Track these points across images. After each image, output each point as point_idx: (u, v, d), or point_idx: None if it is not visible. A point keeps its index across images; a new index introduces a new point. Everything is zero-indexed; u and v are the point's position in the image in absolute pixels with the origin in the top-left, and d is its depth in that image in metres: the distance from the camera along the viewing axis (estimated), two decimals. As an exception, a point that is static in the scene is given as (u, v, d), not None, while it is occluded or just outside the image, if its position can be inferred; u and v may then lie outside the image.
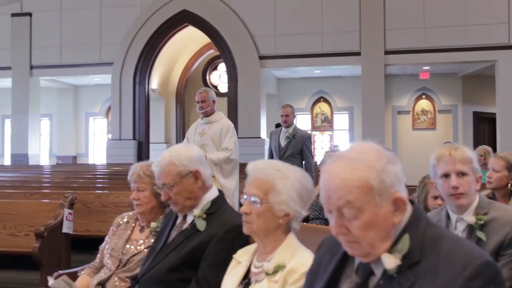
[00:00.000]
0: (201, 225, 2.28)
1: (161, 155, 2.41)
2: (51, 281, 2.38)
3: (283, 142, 6.61)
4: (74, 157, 18.41)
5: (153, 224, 2.71)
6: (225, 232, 2.22)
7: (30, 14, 16.27)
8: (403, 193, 1.42)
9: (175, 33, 15.41)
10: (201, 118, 5.72)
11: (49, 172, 11.44)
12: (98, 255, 2.80)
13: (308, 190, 1.99)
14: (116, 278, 2.61)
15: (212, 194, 2.41)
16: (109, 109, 17.54)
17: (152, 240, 2.60)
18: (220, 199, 2.40)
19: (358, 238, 1.40)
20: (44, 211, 5.16)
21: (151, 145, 15.65)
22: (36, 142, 16.69)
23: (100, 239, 5.72)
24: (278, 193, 1.92)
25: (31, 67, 16.29)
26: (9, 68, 16.34)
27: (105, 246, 2.77)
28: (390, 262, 1.39)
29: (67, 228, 4.89)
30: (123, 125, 15.22)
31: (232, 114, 14.74)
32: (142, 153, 15.10)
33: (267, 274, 1.89)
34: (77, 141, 18.69)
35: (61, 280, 2.23)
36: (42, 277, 4.71)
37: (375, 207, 1.39)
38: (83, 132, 18.72)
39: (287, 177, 1.95)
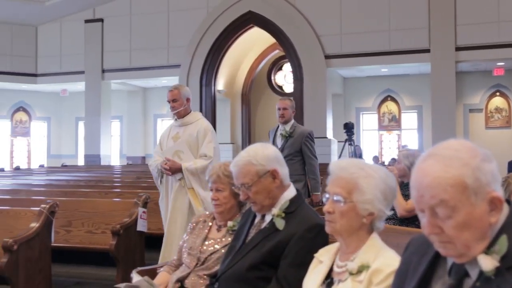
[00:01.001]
0: (280, 224, 2.28)
1: (238, 155, 2.42)
2: (135, 278, 2.43)
3: (279, 142, 5.57)
4: (143, 158, 18.92)
5: (230, 223, 2.72)
6: (306, 231, 2.21)
7: (102, 20, 16.87)
8: (500, 192, 1.36)
9: (240, 34, 15.54)
10: (175, 119, 4.82)
11: (120, 172, 11.82)
12: (177, 253, 2.84)
13: (392, 190, 1.96)
14: (194, 276, 2.64)
15: (290, 193, 2.39)
16: (176, 110, 17.86)
17: (230, 239, 2.62)
18: (298, 198, 2.39)
19: (452, 238, 1.36)
20: (120, 209, 5.32)
21: (217, 146, 15.81)
22: (108, 143, 17.28)
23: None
24: (362, 192, 1.90)
25: (103, 71, 16.89)
26: (82, 72, 17.02)
27: (183, 245, 2.81)
28: (488, 263, 1.33)
29: (141, 226, 5.02)
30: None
31: (298, 115, 14.67)
32: (209, 153, 15.29)
33: (351, 273, 1.86)
34: (146, 142, 19.19)
35: (143, 280, 2.27)
36: (118, 273, 4.86)
37: (470, 207, 1.34)
38: (152, 133, 19.20)
39: (371, 176, 1.92)
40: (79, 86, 17.52)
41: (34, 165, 18.17)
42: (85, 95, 17.02)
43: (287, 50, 14.98)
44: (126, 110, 19.12)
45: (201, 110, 15.37)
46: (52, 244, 4.65)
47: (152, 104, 19.10)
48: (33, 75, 17.74)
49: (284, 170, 2.39)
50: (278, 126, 5.64)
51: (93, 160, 16.63)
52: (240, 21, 15.26)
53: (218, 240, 2.72)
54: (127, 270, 4.71)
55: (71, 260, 5.85)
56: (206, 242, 2.72)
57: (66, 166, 14.94)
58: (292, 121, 5.61)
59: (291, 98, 5.91)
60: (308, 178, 5.54)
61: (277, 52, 17.83)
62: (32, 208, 4.70)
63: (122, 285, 2.39)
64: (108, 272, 5.46)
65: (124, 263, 4.84)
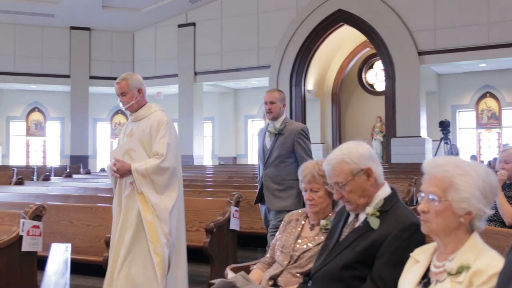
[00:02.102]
0: (375, 223, 2.22)
1: (331, 153, 2.38)
2: (230, 274, 2.47)
3: (268, 142, 4.70)
4: (234, 158, 19.25)
5: (323, 222, 2.70)
6: (401, 230, 2.14)
7: (194, 24, 17.37)
8: None
9: (330, 33, 15.42)
10: (130, 115, 4.13)
11: (212, 172, 12.09)
12: (269, 250, 2.86)
13: (493, 188, 1.86)
14: (287, 274, 2.64)
15: (385, 191, 2.33)
16: (266, 111, 18.03)
17: (323, 238, 2.60)
18: (393, 197, 2.32)
19: None
20: (213, 208, 5.42)
21: (307, 146, 15.79)
22: (200, 144, 17.76)
23: (264, 236, 5.89)
24: (458, 190, 1.82)
25: (195, 73, 17.38)
26: (176, 75, 17.62)
27: (276, 242, 2.82)
28: None
29: (234, 224, 5.09)
30: (281, 126, 15.54)
31: (390, 113, 14.34)
32: (299, 153, 15.29)
33: (449, 274, 1.79)
34: (237, 142, 19.52)
35: (239, 275, 2.30)
36: (212, 270, 4.96)
37: None
38: (243, 134, 19.50)
39: (468, 174, 1.84)
40: (173, 88, 18.15)
41: (132, 165, 19.00)
42: (179, 97, 17.60)
43: (378, 48, 14.66)
44: (217, 111, 19.56)
45: (291, 110, 15.41)
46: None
47: (243, 105, 19.41)
48: (130, 79, 18.55)
49: (378, 168, 2.33)
50: (268, 125, 4.78)
51: (186, 160, 17.16)
52: (330, 20, 15.14)
53: (311, 238, 2.70)
54: (220, 267, 4.81)
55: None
56: (299, 241, 2.72)
57: (161, 166, 15.49)
58: (283, 116, 4.73)
59: (280, 89, 4.96)
60: None
61: (368, 50, 17.52)
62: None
63: (217, 280, 2.43)
64: (202, 269, 5.60)
65: (218, 260, 4.94)
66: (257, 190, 4.78)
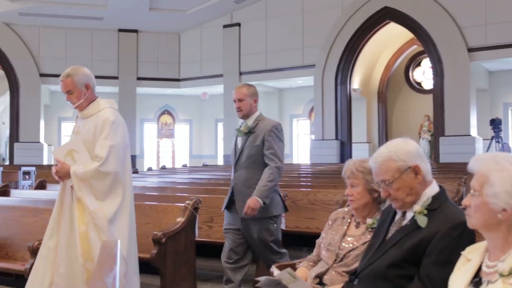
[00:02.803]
0: (422, 221, 2.18)
1: (378, 150, 2.35)
2: (276, 271, 2.47)
3: (240, 142, 4.28)
4: (280, 158, 19.21)
5: (369, 221, 2.68)
6: (450, 229, 2.10)
7: (239, 24, 17.46)
8: None
9: (376, 31, 15.21)
10: (78, 111, 3.77)
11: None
12: (315, 248, 2.84)
13: None
14: (333, 272, 2.63)
15: (433, 189, 2.28)
16: (311, 110, 17.98)
17: (369, 237, 2.57)
18: (442, 195, 2.27)
19: None
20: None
21: (353, 145, 15.65)
22: (245, 144, 17.80)
23: (309, 236, 5.86)
24: (491, 185, 1.80)
25: (240, 73, 17.46)
26: (221, 75, 17.75)
27: (321, 241, 2.80)
28: None
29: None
30: (326, 125, 15.47)
31: (438, 111, 14.03)
32: (345, 153, 15.17)
33: (501, 275, 1.73)
34: (285, 142, 19.48)
35: (286, 272, 2.30)
36: (258, 268, 4.97)
37: None
38: (288, 133, 19.46)
39: (505, 169, 1.80)
40: (218, 89, 18.29)
41: (178, 165, 19.31)
42: (224, 97, 17.72)
43: (426, 45, 14.36)
44: (262, 111, 19.38)
45: (336, 110, 15.28)
46: (196, 239, 4.88)
47: (287, 104, 19.38)
48: (176, 80, 18.86)
49: (426, 166, 2.29)
50: (242, 123, 4.33)
51: (230, 160, 17.22)
52: (376, 18, 14.93)
53: (357, 237, 2.68)
54: (265, 266, 4.81)
55: (213, 255, 6.10)
56: (345, 239, 2.70)
57: (206, 165, 15.69)
58: (257, 113, 4.28)
59: (250, 84, 4.48)
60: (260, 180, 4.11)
61: (415, 48, 17.20)
62: (177, 204, 4.98)
63: (263, 278, 2.44)
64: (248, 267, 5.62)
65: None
66: (228, 194, 4.29)
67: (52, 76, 17.69)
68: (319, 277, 2.64)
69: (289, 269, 2.32)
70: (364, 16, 14.99)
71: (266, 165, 4.08)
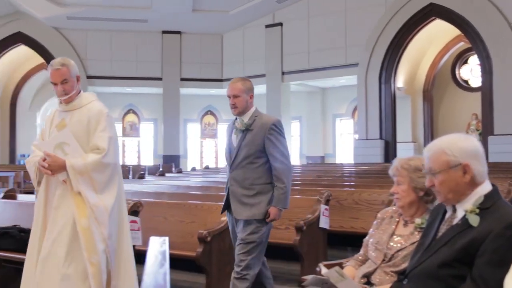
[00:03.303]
0: (474, 220, 2.12)
1: (434, 140, 2.33)
2: (324, 269, 2.45)
3: (235, 141, 3.98)
4: (322, 157, 19.13)
5: (417, 220, 2.63)
6: (505, 228, 2.03)
7: (281, 24, 17.44)
8: None
9: (421, 28, 14.92)
10: (60, 103, 3.64)
11: (300, 171, 12.08)
12: (362, 248, 2.81)
13: None
14: (381, 272, 2.59)
15: (485, 188, 2.21)
16: (355, 109, 17.81)
17: (417, 236, 2.52)
18: (494, 194, 2.20)
19: None
20: (302, 206, 5.42)
21: (398, 145, 15.41)
22: (288, 143, 17.75)
23: (353, 236, 5.80)
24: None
25: (283, 73, 17.44)
26: (263, 75, 17.77)
27: (369, 240, 2.77)
28: None
29: (324, 223, 5.06)
30: (370, 125, 15.28)
31: (487, 109, 13.66)
32: (389, 152, 14.95)
33: None
34: (325, 142, 19.38)
35: (334, 271, 2.27)
36: (302, 268, 4.95)
37: None
38: (331, 133, 19.34)
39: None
40: (261, 89, 18.31)
41: (221, 165, 19.44)
42: (266, 97, 17.74)
43: (474, 42, 13.99)
44: (305, 111, 19.52)
45: (380, 109, 15.08)
46: (241, 237, 4.89)
47: (330, 104, 19.25)
48: (219, 80, 19.00)
49: (480, 167, 2.21)
50: (235, 121, 4.04)
51: (274, 159, 17.24)
52: (421, 15, 14.65)
53: (405, 237, 2.64)
54: (310, 266, 4.79)
55: (257, 254, 6.11)
56: (393, 238, 2.66)
57: (250, 165, 15.71)
58: (253, 109, 3.98)
59: (246, 78, 4.11)
60: (275, 187, 3.89)
61: (462, 45, 16.81)
62: (221, 203, 5.00)
63: (310, 276, 2.42)
64: (292, 267, 5.61)
65: (308, 259, 4.93)
66: (225, 196, 4.05)
67: (98, 78, 18.12)
68: (367, 277, 2.61)
69: (337, 268, 2.29)
70: (409, 13, 14.73)
71: (264, 164, 3.85)
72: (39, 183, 3.49)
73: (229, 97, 3.91)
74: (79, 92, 3.62)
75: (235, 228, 3.98)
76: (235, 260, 3.88)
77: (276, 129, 3.85)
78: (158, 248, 2.32)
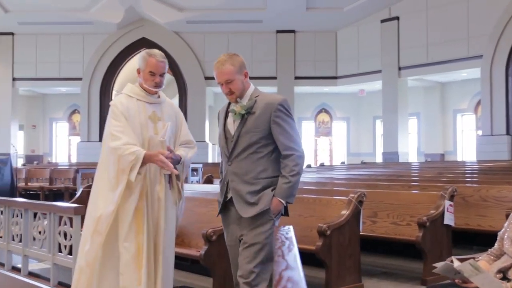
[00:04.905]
0: None
1: None
2: (456, 262, 2.35)
3: (232, 127, 3.25)
4: (442, 155, 18.33)
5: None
6: None
7: (397, 18, 16.96)
8: None
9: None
10: (144, 93, 3.53)
11: (418, 168, 11.66)
12: (497, 242, 2.65)
13: None
14: (519, 267, 2.43)
15: None
16: (478, 104, 16.88)
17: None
18: None
19: None
20: (424, 202, 5.24)
21: (527, 141, 14.37)
22: (405, 141, 17.27)
23: (480, 234, 5.51)
24: None
25: (399, 68, 16.95)
26: (379, 71, 17.39)
27: (504, 234, 2.61)
28: None
29: (448, 219, 4.85)
30: (495, 120, 14.39)
31: None
32: (517, 149, 13.97)
33: None
34: (445, 138, 18.55)
35: (468, 264, 2.17)
36: (425, 266, 4.78)
37: None
38: (451, 129, 18.47)
39: None
40: (376, 85, 17.94)
41: (335, 163, 19.30)
42: (382, 94, 17.35)
43: None
44: (423, 107, 18.81)
45: (507, 103, 14.27)
46: (360, 233, 4.83)
47: (451, 99, 18.37)
48: (333, 78, 18.86)
49: None
50: (229, 104, 3.33)
51: (390, 157, 16.83)
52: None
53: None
54: (433, 264, 4.61)
55: (377, 250, 6.01)
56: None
57: (365, 163, 15.47)
58: (251, 88, 3.29)
59: (232, 53, 3.35)
60: (280, 176, 3.16)
61: None
62: (340, 197, 4.97)
63: (441, 263, 2.33)
64: (414, 265, 5.43)
65: (431, 256, 4.74)
66: (221, 194, 3.30)
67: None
68: (503, 272, 2.46)
69: (471, 261, 2.19)
70: (539, -1, 13.68)
71: (270, 154, 3.16)
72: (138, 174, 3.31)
73: (221, 84, 3.22)
74: None
75: (232, 229, 3.25)
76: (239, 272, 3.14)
77: (283, 110, 3.13)
78: (284, 234, 2.37)
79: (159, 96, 3.57)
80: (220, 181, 3.31)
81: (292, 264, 1.57)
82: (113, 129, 3.37)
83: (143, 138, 3.41)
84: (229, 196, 3.17)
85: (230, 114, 3.22)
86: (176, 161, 3.37)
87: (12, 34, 19.46)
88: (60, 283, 4.46)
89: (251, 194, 3.08)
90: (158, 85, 3.47)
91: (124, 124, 3.37)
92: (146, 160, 3.26)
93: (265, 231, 3.07)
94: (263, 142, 3.12)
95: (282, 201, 3.10)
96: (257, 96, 3.19)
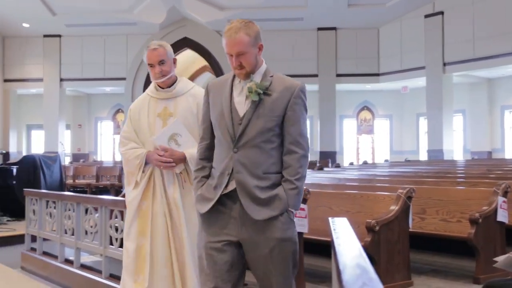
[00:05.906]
0: None
1: None
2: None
3: (241, 107, 2.63)
4: (489, 152, 17.87)
5: None
6: None
7: (442, 13, 16.62)
8: None
9: None
10: (157, 90, 3.42)
11: (464, 165, 11.42)
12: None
13: None
14: None
15: None
16: (527, 100, 16.40)
17: None
18: None
19: None
20: (475, 198, 5.12)
21: None
22: (450, 138, 16.91)
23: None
24: None
25: (444, 64, 16.61)
26: (422, 68, 17.08)
27: None
28: None
29: (502, 216, 4.73)
30: (546, 116, 13.93)
31: None
32: None
33: None
34: (492, 135, 18.07)
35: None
36: (478, 264, 4.67)
37: None
38: (498, 126, 17.98)
39: None
40: (420, 82, 17.62)
41: (378, 161, 19.05)
42: (426, 91, 17.02)
43: None
44: (468, 103, 18.37)
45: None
46: (409, 230, 4.75)
47: (499, 95, 17.87)
48: (375, 75, 18.62)
49: None
50: (234, 77, 2.73)
51: (435, 155, 16.52)
52: None
53: None
54: (486, 262, 4.49)
55: (426, 247, 5.90)
56: None
57: (409, 161, 15.23)
58: (264, 66, 2.79)
59: (248, 20, 2.82)
60: (284, 180, 2.60)
61: None
62: (388, 193, 4.90)
63: (503, 257, 2.26)
64: (465, 263, 5.31)
65: (484, 254, 4.63)
66: (218, 186, 2.63)
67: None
68: None
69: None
70: None
71: (281, 145, 2.62)
72: (136, 177, 3.29)
73: (230, 55, 2.67)
74: (176, 78, 3.44)
75: (239, 235, 2.58)
76: None
77: (304, 98, 2.66)
78: (339, 224, 2.36)
79: (174, 89, 3.38)
80: (202, 168, 2.71)
81: (356, 252, 1.56)
82: (121, 134, 3.50)
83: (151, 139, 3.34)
84: (229, 188, 2.56)
85: (238, 91, 2.64)
86: (178, 159, 3.21)
87: (60, 36, 19.96)
88: (111, 275, 4.55)
89: (261, 189, 2.53)
90: (161, 75, 3.31)
91: (130, 130, 3.41)
92: (147, 160, 3.29)
93: (292, 240, 2.58)
94: (277, 130, 2.59)
95: (293, 211, 2.59)
96: (272, 76, 2.69)
